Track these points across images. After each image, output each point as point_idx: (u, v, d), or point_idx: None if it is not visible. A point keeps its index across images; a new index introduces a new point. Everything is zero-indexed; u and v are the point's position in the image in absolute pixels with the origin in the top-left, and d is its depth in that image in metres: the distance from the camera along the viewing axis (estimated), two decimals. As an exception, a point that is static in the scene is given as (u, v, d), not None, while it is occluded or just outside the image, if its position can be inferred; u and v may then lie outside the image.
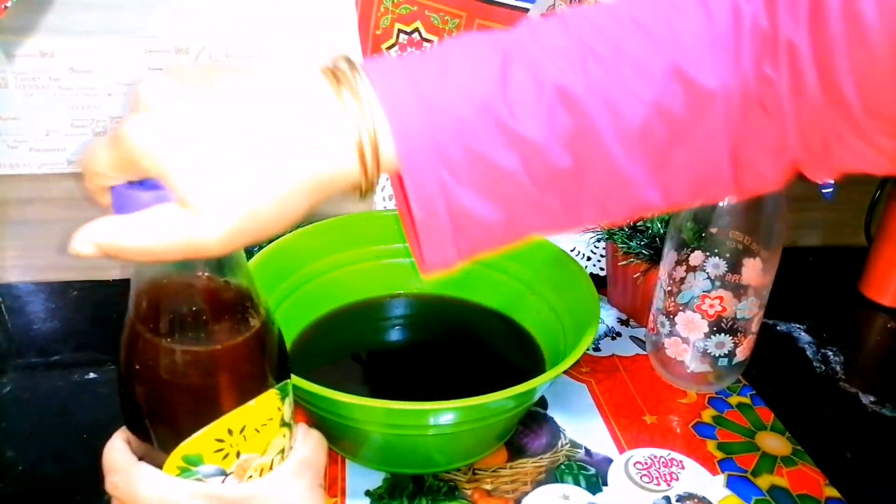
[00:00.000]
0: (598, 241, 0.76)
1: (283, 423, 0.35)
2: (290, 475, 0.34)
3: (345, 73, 0.30)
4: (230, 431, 0.33)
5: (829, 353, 0.71)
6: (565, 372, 0.62)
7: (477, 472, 0.55)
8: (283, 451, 0.35)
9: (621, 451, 0.58)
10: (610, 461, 0.56)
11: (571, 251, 0.79)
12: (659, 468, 0.56)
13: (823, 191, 0.77)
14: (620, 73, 0.31)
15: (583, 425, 0.60)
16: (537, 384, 0.48)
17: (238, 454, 0.33)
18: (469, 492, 0.53)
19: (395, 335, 0.68)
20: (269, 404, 0.34)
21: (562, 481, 0.54)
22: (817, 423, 0.62)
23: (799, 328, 0.75)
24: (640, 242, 0.68)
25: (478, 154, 0.30)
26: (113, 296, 0.77)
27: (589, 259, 0.80)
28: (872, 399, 0.65)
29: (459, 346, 0.67)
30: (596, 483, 0.54)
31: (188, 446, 0.32)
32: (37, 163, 0.72)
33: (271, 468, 0.34)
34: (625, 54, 0.32)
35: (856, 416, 0.63)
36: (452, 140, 0.30)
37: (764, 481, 0.55)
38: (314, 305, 0.65)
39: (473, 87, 0.30)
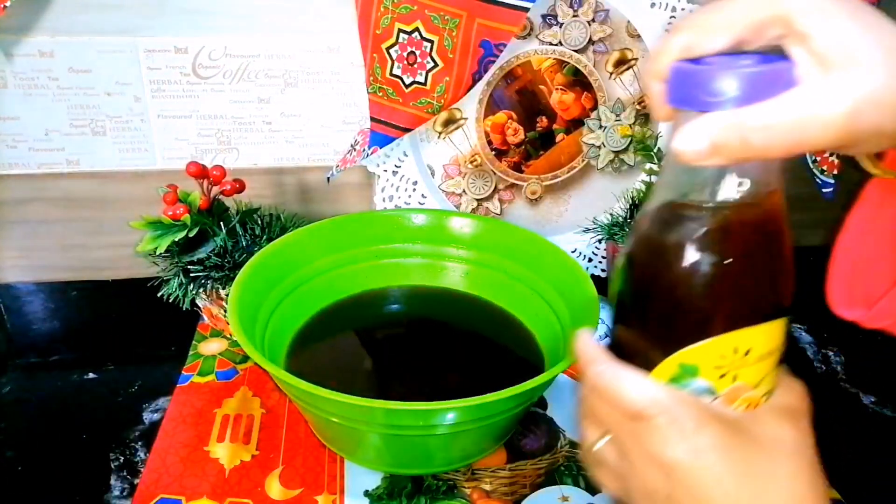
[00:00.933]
0: (599, 241, 0.76)
1: (779, 363, 0.34)
2: (779, 418, 0.33)
3: None
4: (735, 350, 0.31)
5: (830, 354, 0.71)
6: (565, 372, 0.62)
7: (476, 471, 0.55)
8: (768, 392, 0.33)
9: (621, 451, 0.57)
10: (610, 462, 0.56)
11: (573, 252, 0.79)
12: (659, 469, 0.56)
13: (823, 191, 0.77)
14: None
15: (583, 426, 0.60)
16: (537, 384, 0.48)
17: (734, 378, 0.32)
18: (468, 491, 0.53)
19: (394, 335, 0.68)
20: (777, 333, 0.32)
21: (561, 483, 0.54)
22: (817, 424, 0.62)
23: (800, 328, 0.75)
24: (640, 242, 0.67)
25: None
26: (113, 296, 0.77)
27: (590, 260, 0.80)
28: (873, 399, 0.65)
29: (459, 346, 0.67)
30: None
31: (689, 353, 0.31)
32: (36, 162, 0.72)
33: (755, 406, 0.33)
34: None
35: (856, 416, 0.63)
36: None
37: (764, 482, 0.55)
38: (313, 305, 0.65)
39: None
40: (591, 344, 0.35)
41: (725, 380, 0.32)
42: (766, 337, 0.32)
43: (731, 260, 0.31)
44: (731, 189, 0.31)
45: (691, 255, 0.31)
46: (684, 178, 0.32)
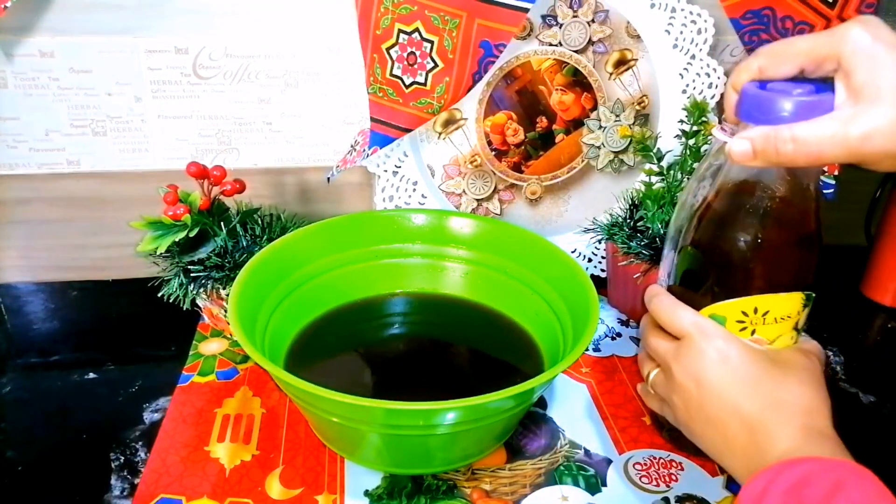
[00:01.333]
0: (599, 241, 0.76)
1: (796, 328, 0.45)
2: (793, 351, 0.44)
3: None
4: (755, 310, 0.42)
5: (830, 353, 0.71)
6: (565, 372, 0.62)
7: (476, 471, 0.55)
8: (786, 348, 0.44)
9: (621, 451, 0.57)
10: (609, 462, 0.56)
11: (572, 252, 0.79)
12: (658, 469, 0.56)
13: (825, 191, 0.77)
14: None
15: (582, 426, 0.60)
16: (536, 384, 0.48)
17: (752, 332, 0.43)
18: (468, 490, 0.53)
19: (394, 335, 0.68)
20: (793, 303, 0.43)
21: (561, 482, 0.54)
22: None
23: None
24: (640, 243, 0.67)
25: None
26: (113, 296, 0.77)
27: (590, 261, 0.80)
28: (873, 399, 0.65)
29: (459, 347, 0.67)
30: (595, 484, 0.54)
31: (719, 307, 0.43)
32: (36, 163, 0.72)
33: None
34: None
35: (856, 416, 0.63)
36: None
37: (764, 482, 0.55)
38: (313, 305, 0.65)
39: None
40: (658, 286, 0.46)
41: (745, 332, 0.43)
42: (782, 304, 0.42)
43: (761, 241, 0.41)
44: (773, 184, 0.40)
45: (735, 234, 0.41)
46: (739, 173, 0.41)
